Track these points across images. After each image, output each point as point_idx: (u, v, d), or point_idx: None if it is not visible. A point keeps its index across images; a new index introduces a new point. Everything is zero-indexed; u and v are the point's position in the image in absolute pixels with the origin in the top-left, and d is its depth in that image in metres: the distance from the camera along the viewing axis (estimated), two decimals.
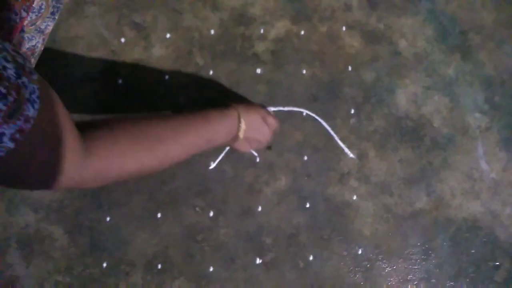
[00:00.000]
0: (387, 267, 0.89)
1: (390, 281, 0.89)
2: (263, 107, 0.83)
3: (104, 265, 0.84)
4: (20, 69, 0.41)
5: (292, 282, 0.87)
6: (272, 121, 0.80)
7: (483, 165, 0.94)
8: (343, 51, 0.94)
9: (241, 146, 0.78)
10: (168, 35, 0.90)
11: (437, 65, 0.95)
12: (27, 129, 0.42)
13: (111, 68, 0.88)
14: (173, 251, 0.85)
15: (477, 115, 0.95)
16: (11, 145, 0.41)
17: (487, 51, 0.97)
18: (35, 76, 0.43)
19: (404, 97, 0.94)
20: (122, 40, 0.89)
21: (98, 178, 0.56)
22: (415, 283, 0.89)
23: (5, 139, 0.40)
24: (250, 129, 0.75)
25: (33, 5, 0.69)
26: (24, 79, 0.41)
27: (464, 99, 0.95)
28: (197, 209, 0.87)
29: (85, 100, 0.87)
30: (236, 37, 0.92)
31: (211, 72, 0.90)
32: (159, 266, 0.85)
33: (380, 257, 0.89)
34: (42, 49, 0.77)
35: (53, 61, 0.87)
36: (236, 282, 0.86)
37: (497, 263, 0.91)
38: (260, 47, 0.92)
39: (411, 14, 0.96)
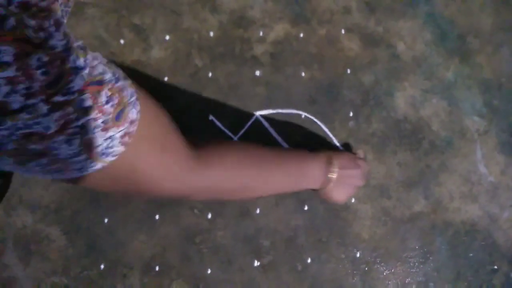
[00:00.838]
0: (385, 270, 0.89)
1: (388, 284, 0.89)
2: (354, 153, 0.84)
3: (102, 266, 0.84)
4: (117, 73, 0.41)
5: (290, 285, 0.86)
6: (363, 163, 0.81)
7: (482, 169, 0.94)
8: (342, 54, 0.94)
9: (333, 192, 0.76)
10: (167, 37, 0.90)
11: (435, 68, 0.95)
12: (133, 132, 0.41)
13: None
14: (171, 253, 0.85)
15: (476, 118, 0.95)
16: (122, 148, 0.41)
17: (485, 54, 0.97)
18: (130, 81, 0.44)
19: (402, 100, 0.94)
20: (121, 41, 0.89)
21: (206, 188, 0.56)
22: (413, 286, 0.89)
23: (116, 142, 0.40)
24: (343, 172, 0.75)
25: None
26: (123, 83, 0.41)
27: (463, 102, 0.95)
28: (195, 211, 0.87)
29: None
30: (235, 40, 0.92)
31: (210, 74, 0.90)
32: (157, 268, 0.85)
33: (378, 260, 0.89)
34: None
35: None
36: (233, 284, 0.85)
37: (495, 267, 0.91)
38: (259, 50, 0.92)
39: (409, 17, 0.97)
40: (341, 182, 0.75)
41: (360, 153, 0.85)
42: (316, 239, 0.88)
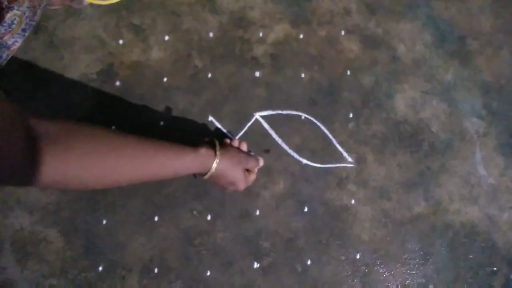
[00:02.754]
0: (385, 272, 0.89)
1: (388, 286, 0.88)
2: (249, 152, 0.85)
3: (100, 268, 0.83)
4: None
5: (290, 287, 0.86)
6: (254, 164, 0.81)
7: (481, 170, 0.94)
8: (342, 55, 0.94)
9: (216, 179, 0.77)
10: (166, 38, 0.90)
11: (435, 70, 0.95)
12: None
13: (109, 70, 0.88)
14: (170, 255, 0.85)
15: (475, 120, 0.95)
16: None
17: (485, 56, 0.97)
18: None
19: (402, 102, 0.94)
20: (121, 42, 0.89)
21: (53, 178, 0.54)
22: None
23: None
24: (225, 170, 0.75)
25: (5, 19, 0.68)
26: None
27: (462, 104, 0.95)
28: (195, 212, 0.86)
29: (83, 101, 0.86)
30: (235, 40, 0.92)
31: (209, 75, 0.90)
32: (156, 270, 0.84)
33: (378, 262, 0.89)
34: (4, 64, 0.76)
35: (51, 62, 0.86)
36: (233, 286, 0.85)
37: (495, 269, 0.91)
38: (259, 51, 0.92)
39: (409, 19, 0.97)
40: (221, 177, 0.75)
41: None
42: (316, 241, 0.88)
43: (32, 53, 0.86)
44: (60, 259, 0.83)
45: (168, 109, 0.88)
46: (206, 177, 0.74)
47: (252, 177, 0.82)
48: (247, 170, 0.81)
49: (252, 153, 0.86)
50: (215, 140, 0.78)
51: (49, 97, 0.85)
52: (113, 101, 0.87)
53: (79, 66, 0.87)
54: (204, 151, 0.72)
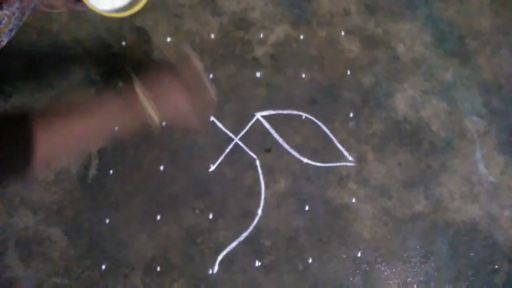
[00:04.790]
0: (386, 270, 0.89)
1: (389, 284, 0.89)
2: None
3: (103, 267, 0.84)
4: None
5: (292, 285, 0.87)
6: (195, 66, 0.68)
7: (481, 169, 0.94)
8: (342, 55, 0.95)
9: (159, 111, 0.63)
10: (168, 39, 0.91)
11: (435, 69, 0.96)
12: None
13: (111, 72, 0.89)
14: (173, 253, 0.85)
15: (475, 119, 0.95)
16: None
17: (484, 56, 0.98)
18: None
19: (402, 101, 0.94)
20: (123, 43, 0.90)
21: None
22: (414, 286, 0.89)
23: None
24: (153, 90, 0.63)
25: None
26: None
27: (462, 103, 0.96)
28: (197, 211, 0.87)
29: (86, 103, 0.87)
30: (236, 41, 0.93)
31: (211, 76, 0.91)
32: (158, 269, 0.85)
33: (379, 260, 0.89)
34: None
35: (54, 64, 0.87)
36: (235, 284, 0.85)
37: (496, 267, 0.91)
38: (259, 51, 0.93)
39: (409, 19, 0.97)
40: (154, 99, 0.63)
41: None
42: (317, 239, 0.88)
43: (35, 55, 0.87)
44: (64, 258, 0.84)
45: None
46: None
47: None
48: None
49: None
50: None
51: (53, 98, 0.86)
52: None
53: (82, 68, 0.88)
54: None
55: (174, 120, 0.66)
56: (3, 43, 0.77)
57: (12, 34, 0.77)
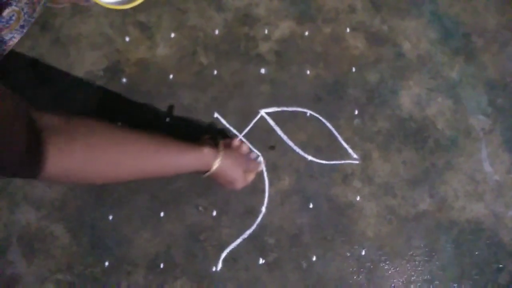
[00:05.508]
0: (390, 269, 0.89)
1: (393, 282, 0.88)
2: (253, 153, 0.87)
3: (106, 264, 0.83)
4: None
5: (295, 283, 0.86)
6: (253, 166, 0.83)
7: (487, 167, 0.94)
8: (347, 52, 0.94)
9: (215, 177, 0.77)
10: (172, 35, 0.90)
11: (440, 67, 0.95)
12: None
13: (115, 67, 0.88)
14: (176, 251, 0.85)
15: (481, 117, 0.95)
16: None
17: (490, 53, 0.97)
18: None
19: (407, 99, 0.94)
20: (127, 39, 0.89)
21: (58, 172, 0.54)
22: (418, 284, 0.89)
23: None
24: (226, 170, 0.75)
25: (3, 14, 0.68)
26: None
27: (468, 101, 0.95)
28: (200, 208, 0.86)
29: (89, 98, 0.87)
30: (241, 37, 0.92)
31: (215, 72, 0.90)
32: (162, 266, 0.84)
33: (383, 258, 0.89)
34: (0, 59, 0.76)
35: (57, 59, 0.87)
36: (238, 282, 0.85)
37: (501, 266, 0.91)
38: (264, 48, 0.92)
39: (414, 16, 0.97)
40: (221, 175, 0.76)
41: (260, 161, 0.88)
42: (321, 237, 0.88)
43: (38, 50, 0.86)
44: (67, 255, 0.83)
45: (174, 105, 0.88)
46: (205, 175, 0.75)
47: (251, 177, 0.82)
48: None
49: (254, 152, 0.88)
50: (218, 138, 0.79)
51: (55, 94, 0.86)
52: (119, 98, 0.87)
53: (85, 63, 0.88)
54: (207, 150, 0.72)
55: (224, 182, 0.78)
56: (16, 40, 0.77)
57: (25, 31, 0.77)
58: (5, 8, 0.68)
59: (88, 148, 0.56)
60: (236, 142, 0.83)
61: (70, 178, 0.57)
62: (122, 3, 0.81)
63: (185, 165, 0.70)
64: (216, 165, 0.73)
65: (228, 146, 0.80)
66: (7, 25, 0.71)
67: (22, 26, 0.75)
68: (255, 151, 0.88)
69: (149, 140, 0.66)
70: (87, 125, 0.59)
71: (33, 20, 0.77)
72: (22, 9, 0.72)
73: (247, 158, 0.82)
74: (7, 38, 0.74)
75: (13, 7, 0.69)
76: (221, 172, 0.75)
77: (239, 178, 0.78)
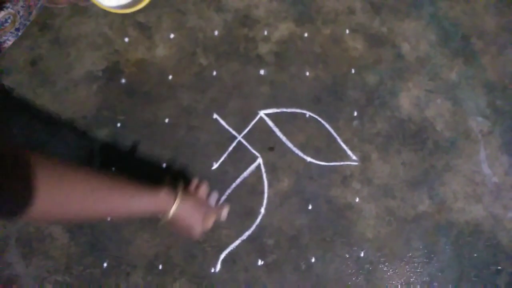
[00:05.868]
0: (389, 270, 0.88)
1: (392, 284, 0.88)
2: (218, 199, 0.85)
3: (105, 265, 0.83)
4: None
5: (294, 284, 0.86)
6: (213, 211, 0.78)
7: (485, 169, 0.94)
8: (347, 53, 0.94)
9: (171, 224, 0.72)
10: (172, 35, 0.90)
11: (439, 69, 0.96)
12: None
13: (114, 67, 0.88)
14: (175, 252, 0.85)
15: (480, 119, 0.95)
16: None
17: (489, 56, 0.97)
18: None
19: (407, 100, 0.94)
20: (126, 39, 0.89)
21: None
22: (417, 286, 0.89)
23: None
24: (183, 217, 0.71)
25: None
26: None
27: (467, 103, 0.95)
28: None
29: (88, 98, 0.86)
30: (240, 38, 0.92)
31: (214, 73, 0.90)
32: (160, 267, 0.84)
33: (382, 259, 0.89)
34: None
35: (57, 59, 0.87)
36: (237, 283, 0.85)
37: (499, 268, 0.91)
38: (263, 49, 0.92)
39: (414, 18, 0.97)
40: (178, 222, 0.72)
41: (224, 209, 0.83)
42: (320, 238, 0.88)
43: (38, 50, 0.86)
44: (65, 255, 0.83)
45: (173, 106, 0.88)
46: (160, 224, 0.71)
47: (210, 223, 0.77)
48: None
49: (215, 193, 0.84)
50: (180, 183, 0.74)
51: (54, 94, 0.85)
52: (119, 98, 0.87)
53: (85, 64, 0.87)
54: (163, 194, 0.68)
55: (180, 229, 0.74)
56: (10, 42, 0.76)
57: (20, 33, 0.77)
58: (0, 10, 0.68)
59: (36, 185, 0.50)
60: (193, 183, 0.79)
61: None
62: (123, 7, 0.81)
63: (139, 208, 0.65)
64: (172, 211, 0.69)
65: (188, 190, 0.76)
66: (2, 27, 0.71)
67: (17, 29, 0.75)
68: (255, 152, 0.88)
69: (101, 180, 0.60)
70: (42, 160, 0.53)
71: (28, 23, 0.77)
72: (18, 12, 0.72)
73: (208, 206, 0.79)
74: (1, 40, 0.74)
75: (9, 9, 0.69)
76: (177, 219, 0.70)
77: (197, 225, 0.74)
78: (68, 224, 0.82)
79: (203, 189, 0.80)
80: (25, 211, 0.48)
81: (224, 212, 0.81)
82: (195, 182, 0.80)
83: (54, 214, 0.55)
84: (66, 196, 0.55)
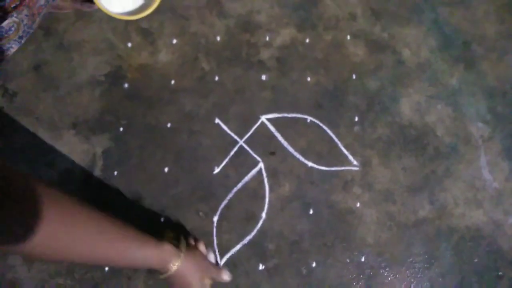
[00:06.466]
0: (390, 275, 0.89)
1: None
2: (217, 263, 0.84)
3: (106, 268, 0.83)
4: None
5: None
6: (213, 271, 0.78)
7: (486, 175, 0.94)
8: (348, 59, 0.95)
9: (171, 280, 0.72)
10: (174, 41, 0.91)
11: (440, 74, 0.96)
12: None
13: (117, 72, 0.89)
14: None
15: (480, 124, 0.95)
16: None
17: (489, 61, 0.98)
18: None
19: (407, 106, 0.94)
20: (129, 44, 0.90)
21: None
22: None
23: None
24: (185, 274, 0.71)
25: (2, 25, 0.68)
26: None
27: (467, 108, 0.96)
28: (201, 213, 0.87)
29: (91, 103, 0.87)
30: (242, 44, 0.93)
31: (216, 78, 0.91)
32: None
33: (383, 265, 0.89)
34: None
35: (60, 64, 0.87)
36: (238, 287, 0.85)
37: (500, 273, 0.91)
38: (265, 54, 0.93)
39: (414, 24, 0.98)
40: (188, 272, 0.71)
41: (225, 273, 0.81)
42: (321, 243, 0.88)
43: (41, 55, 0.87)
44: None
45: (175, 111, 0.88)
46: (163, 276, 0.70)
47: (207, 283, 0.77)
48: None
49: (213, 255, 0.84)
50: (182, 237, 0.75)
51: (58, 99, 0.86)
52: (121, 103, 0.88)
53: (88, 68, 0.88)
54: (168, 248, 0.68)
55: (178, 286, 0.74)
56: (13, 50, 0.77)
57: (23, 41, 0.77)
58: (5, 19, 0.69)
59: (43, 223, 0.49)
60: (191, 241, 0.79)
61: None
62: (129, 14, 0.82)
63: (141, 260, 0.65)
64: (176, 265, 0.68)
65: (191, 247, 0.76)
66: (6, 35, 0.72)
67: (20, 37, 0.76)
68: (256, 157, 0.88)
69: (106, 226, 0.60)
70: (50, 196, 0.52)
71: (32, 31, 0.78)
72: (22, 21, 0.73)
73: (210, 265, 0.79)
74: (4, 48, 0.75)
75: (14, 18, 0.70)
76: (179, 275, 0.70)
77: (196, 284, 0.73)
78: (66, 263, 0.82)
79: (202, 246, 0.81)
80: (28, 238, 0.47)
81: (226, 276, 0.80)
82: (192, 238, 0.81)
83: (55, 249, 0.54)
84: (71, 230, 0.54)
